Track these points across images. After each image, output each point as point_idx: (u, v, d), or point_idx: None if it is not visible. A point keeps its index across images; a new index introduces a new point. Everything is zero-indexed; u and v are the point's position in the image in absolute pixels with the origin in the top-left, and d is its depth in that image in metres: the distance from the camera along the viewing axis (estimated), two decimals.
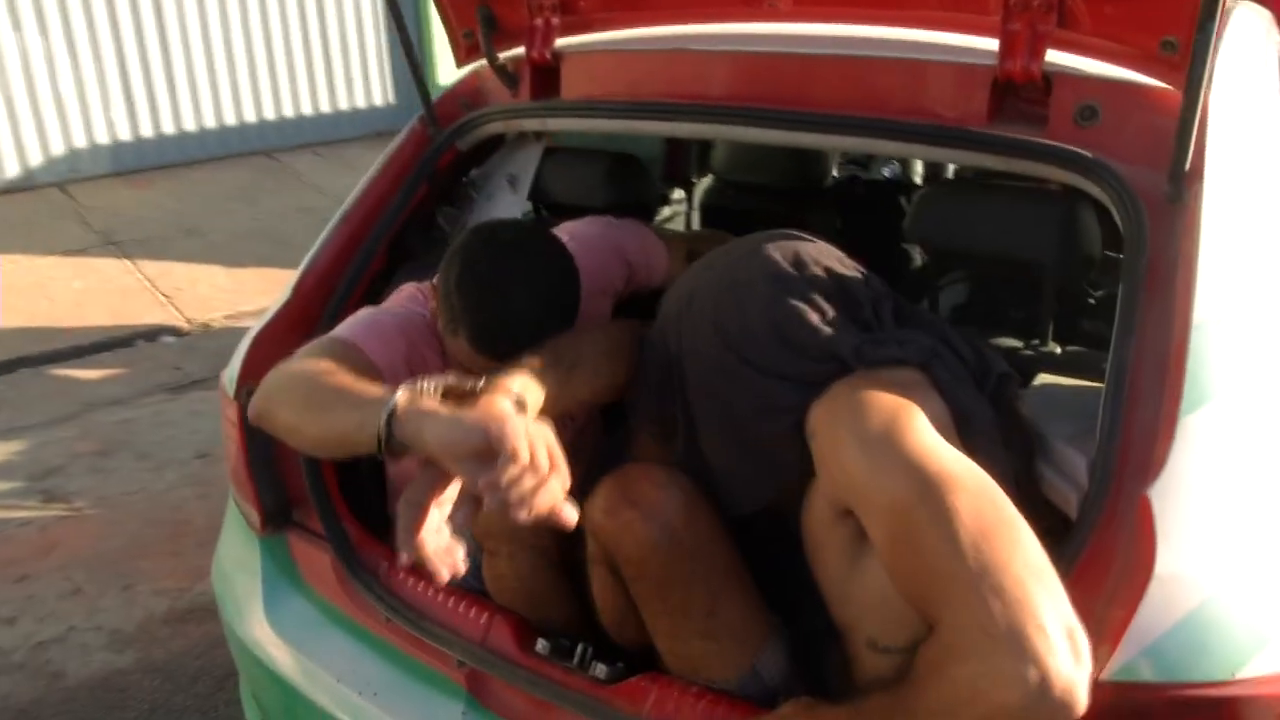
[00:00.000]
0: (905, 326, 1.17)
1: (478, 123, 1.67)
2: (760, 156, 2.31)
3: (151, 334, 4.26)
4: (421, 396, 1.08)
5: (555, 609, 1.37)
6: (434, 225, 1.80)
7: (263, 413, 1.23)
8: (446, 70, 8.02)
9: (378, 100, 7.20)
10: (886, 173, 2.83)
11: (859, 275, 1.19)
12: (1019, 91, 1.29)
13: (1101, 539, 1.00)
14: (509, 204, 1.79)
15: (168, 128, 6.19)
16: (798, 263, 1.16)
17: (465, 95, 1.77)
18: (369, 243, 1.63)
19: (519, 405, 1.13)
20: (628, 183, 1.94)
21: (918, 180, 2.79)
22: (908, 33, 1.38)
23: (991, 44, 1.30)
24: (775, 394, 1.13)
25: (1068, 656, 0.83)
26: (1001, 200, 1.49)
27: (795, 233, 1.23)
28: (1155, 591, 0.92)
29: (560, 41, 1.61)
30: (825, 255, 1.18)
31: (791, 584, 1.28)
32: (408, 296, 1.49)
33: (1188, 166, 1.13)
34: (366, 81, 7.12)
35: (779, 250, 1.17)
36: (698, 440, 1.22)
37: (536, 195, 1.92)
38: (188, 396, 3.72)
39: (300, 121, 6.84)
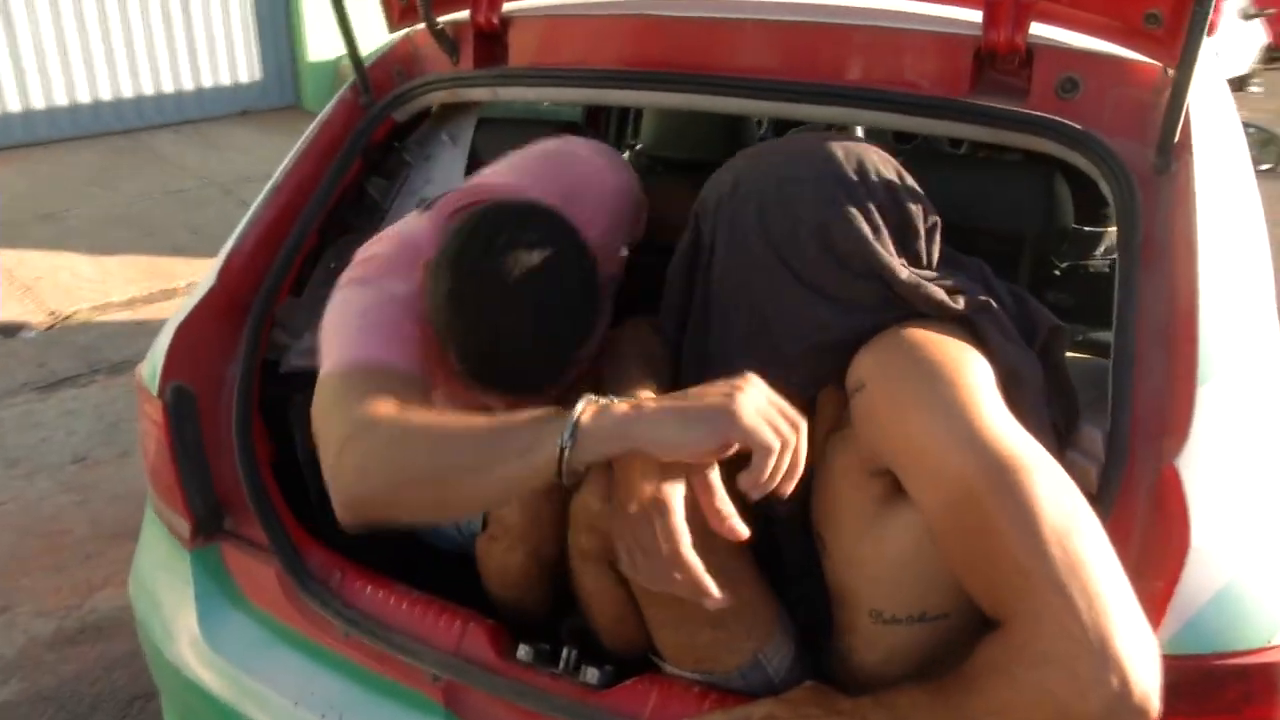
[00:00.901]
0: (947, 267, 1.12)
1: (417, 92, 1.55)
2: (692, 130, 2.23)
3: (10, 329, 3.89)
4: (605, 404, 0.93)
5: (540, 607, 1.30)
6: (364, 196, 1.67)
7: (374, 503, 1.01)
8: (317, 44, 7.54)
9: (243, 76, 6.79)
10: None
11: (920, 200, 1.11)
12: (1000, 63, 1.27)
13: (1123, 512, 0.99)
14: (450, 159, 1.67)
15: (13, 105, 5.68)
16: (860, 169, 1.07)
17: (398, 63, 1.64)
18: (300, 222, 1.49)
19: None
20: None
21: None
22: (889, 1, 1.35)
23: (970, 14, 1.28)
24: (806, 306, 1.06)
25: (1148, 663, 0.80)
26: (983, 173, 1.48)
27: (861, 138, 1.15)
28: (1193, 563, 0.91)
29: (506, 6, 1.51)
30: (888, 168, 1.10)
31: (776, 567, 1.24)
32: (385, 262, 1.20)
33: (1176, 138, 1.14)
34: (231, 56, 6.69)
35: (842, 151, 1.08)
36: (707, 336, 1.14)
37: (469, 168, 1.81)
38: (58, 395, 3.41)
39: (160, 99, 6.40)
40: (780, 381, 1.06)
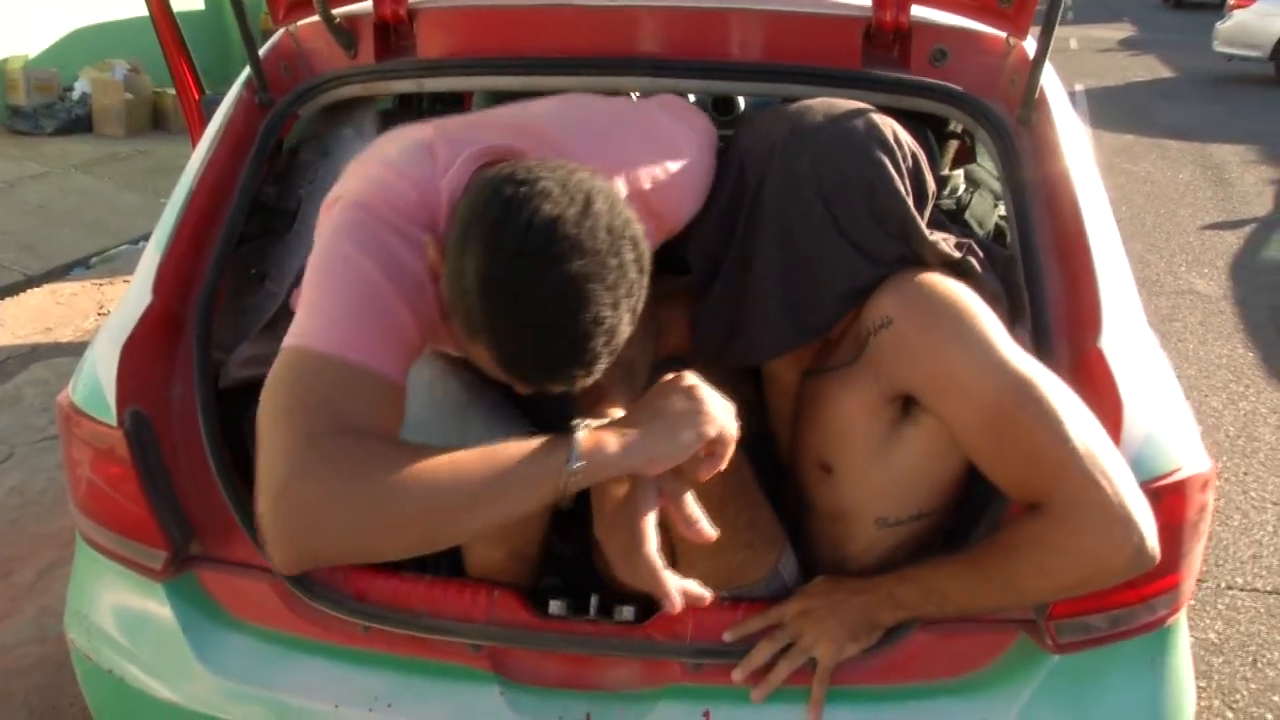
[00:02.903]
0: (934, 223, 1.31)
1: (328, 86, 1.52)
2: None
3: None
4: (598, 431, 0.99)
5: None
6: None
7: (333, 552, 0.95)
8: None
9: None
10: None
11: (931, 172, 1.27)
12: (885, 39, 1.49)
13: None
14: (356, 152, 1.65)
15: None
16: (897, 140, 1.22)
17: (284, 59, 1.60)
18: (227, 227, 1.43)
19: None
20: None
21: None
22: None
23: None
24: (841, 254, 1.20)
25: (1151, 523, 1.05)
26: None
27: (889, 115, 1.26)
28: (1128, 421, 1.18)
29: None
30: (913, 143, 1.26)
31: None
32: (394, 207, 1.06)
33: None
34: None
35: (884, 122, 1.22)
36: (746, 279, 1.24)
37: None
38: None
39: None
40: (801, 324, 1.23)
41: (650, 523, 1.02)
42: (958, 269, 1.26)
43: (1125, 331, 1.28)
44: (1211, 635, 2.44)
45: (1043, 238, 1.35)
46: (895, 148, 1.24)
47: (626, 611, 1.30)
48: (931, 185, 1.29)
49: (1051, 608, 1.19)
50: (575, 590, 1.38)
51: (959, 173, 1.78)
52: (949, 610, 1.19)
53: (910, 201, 1.23)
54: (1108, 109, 9.87)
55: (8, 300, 4.65)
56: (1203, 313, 4.60)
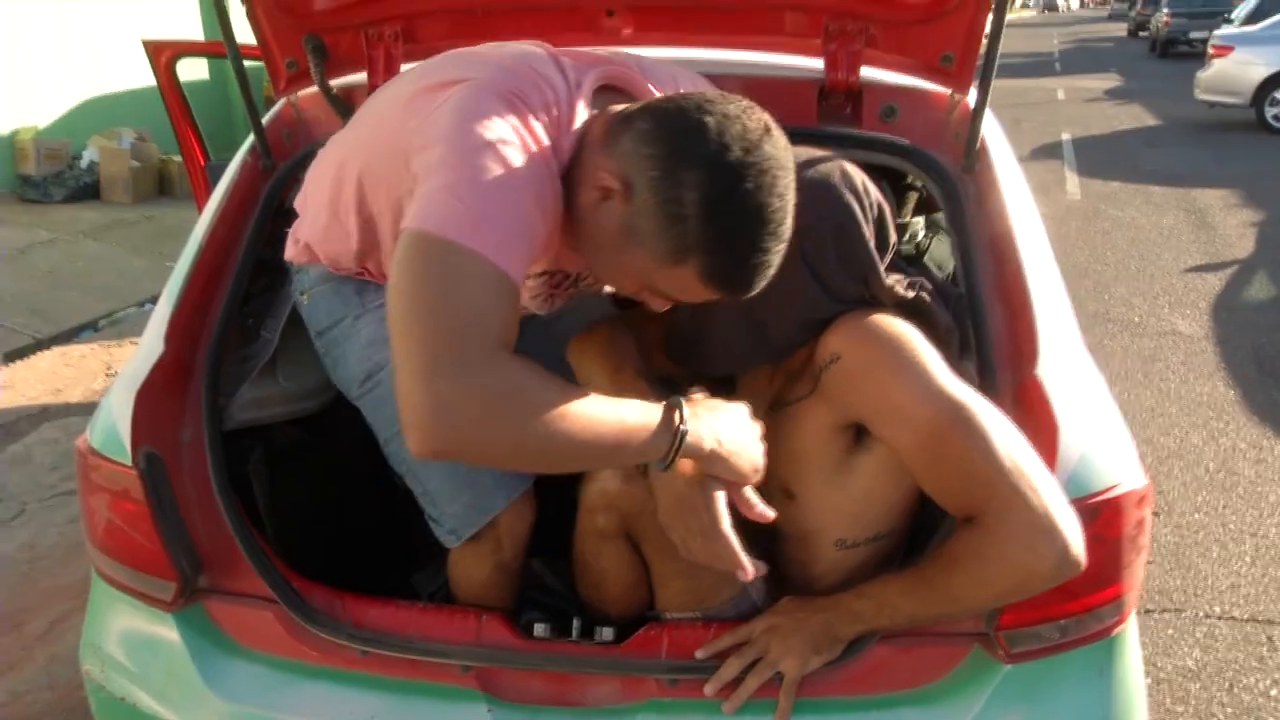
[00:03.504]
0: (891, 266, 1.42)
1: None
2: None
3: None
4: (693, 412, 1.13)
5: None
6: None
7: (469, 453, 1.02)
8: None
9: None
10: None
11: (891, 220, 1.37)
12: (837, 97, 1.63)
13: None
14: None
15: None
16: (866, 190, 1.33)
17: (285, 126, 1.73)
18: (233, 282, 1.55)
19: None
20: None
21: None
22: (740, 54, 1.66)
23: (809, 62, 1.63)
24: (805, 287, 1.30)
25: (1077, 531, 1.15)
26: None
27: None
28: (1063, 443, 1.28)
29: (405, 66, 1.66)
30: (879, 195, 1.36)
31: None
32: (535, 114, 1.10)
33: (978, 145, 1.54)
34: None
35: (855, 173, 1.33)
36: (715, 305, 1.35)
37: None
38: None
39: None
40: (764, 344, 1.33)
41: (724, 505, 1.17)
42: (911, 308, 1.37)
43: (1061, 360, 1.38)
44: (1189, 662, 2.50)
45: (985, 277, 1.46)
46: (864, 196, 1.35)
47: (606, 633, 1.39)
48: (893, 235, 1.41)
49: (1000, 618, 1.28)
50: (558, 616, 1.47)
51: (919, 220, 1.91)
52: (900, 622, 1.27)
53: (873, 246, 1.35)
54: (1094, 157, 10.09)
55: (18, 363, 4.78)
56: (1185, 352, 4.70)
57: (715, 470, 1.16)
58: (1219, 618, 2.68)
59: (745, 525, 1.49)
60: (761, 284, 1.12)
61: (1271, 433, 3.81)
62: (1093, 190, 8.58)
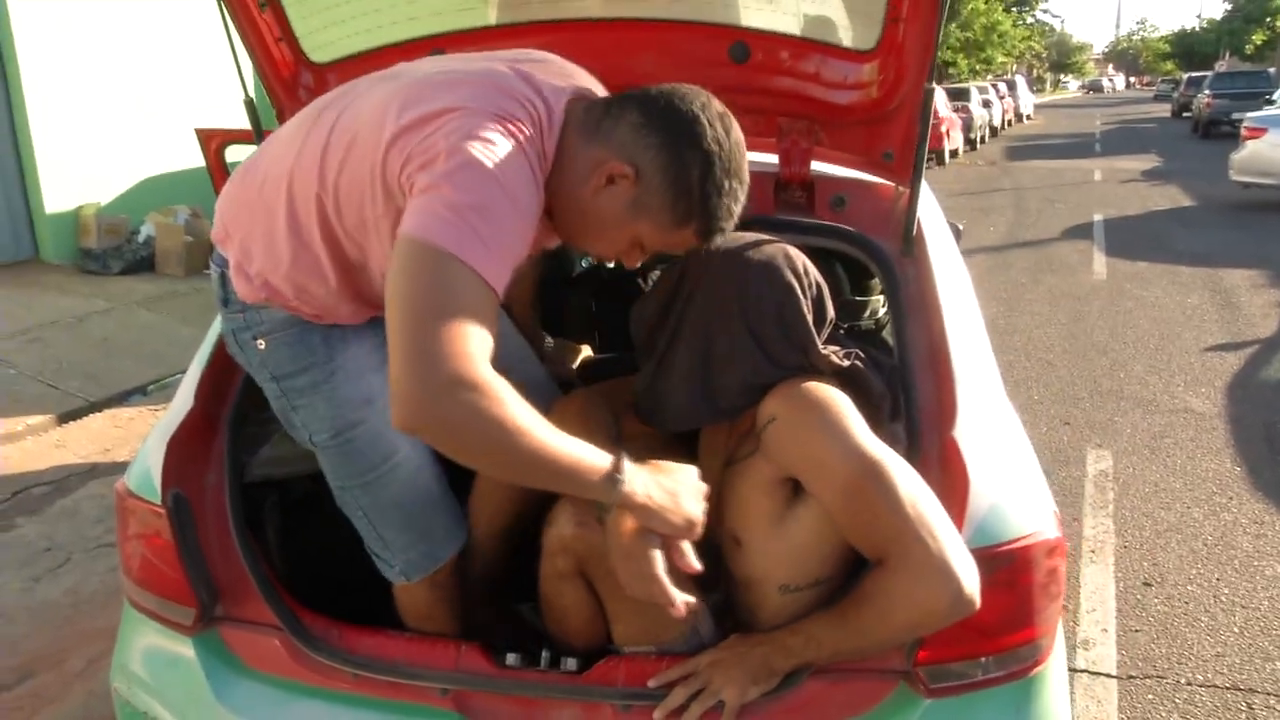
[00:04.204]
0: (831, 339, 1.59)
1: None
2: None
3: None
4: (634, 468, 1.29)
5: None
6: None
7: (444, 443, 1.19)
8: (53, 194, 7.33)
9: None
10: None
11: (829, 298, 1.57)
12: (792, 190, 1.83)
13: (922, 469, 1.51)
14: None
15: None
16: (806, 271, 1.53)
17: None
18: None
19: None
20: None
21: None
22: None
23: (768, 158, 1.83)
24: (751, 355, 1.48)
25: (972, 574, 1.31)
26: None
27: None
28: (974, 494, 1.44)
29: None
30: (818, 276, 1.55)
31: None
32: (529, 138, 1.27)
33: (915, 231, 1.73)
34: None
35: (797, 256, 1.53)
36: (673, 361, 1.54)
37: None
38: None
39: None
40: (714, 404, 1.52)
41: (659, 555, 1.33)
42: (847, 376, 1.54)
43: (979, 423, 1.55)
44: None
45: (916, 349, 1.64)
46: (804, 276, 1.54)
47: (570, 663, 1.55)
48: (830, 311, 1.59)
49: (917, 654, 1.42)
50: (528, 646, 1.63)
51: (878, 297, 2.09)
52: (826, 654, 1.42)
53: (811, 320, 1.53)
54: (1125, 238, 10.20)
55: (71, 424, 5.08)
56: (1195, 429, 4.76)
57: (647, 521, 1.33)
58: (1200, 685, 2.75)
59: (705, 573, 1.66)
60: (732, 224, 1.40)
61: (1275, 507, 3.86)
62: (1120, 270, 8.68)
